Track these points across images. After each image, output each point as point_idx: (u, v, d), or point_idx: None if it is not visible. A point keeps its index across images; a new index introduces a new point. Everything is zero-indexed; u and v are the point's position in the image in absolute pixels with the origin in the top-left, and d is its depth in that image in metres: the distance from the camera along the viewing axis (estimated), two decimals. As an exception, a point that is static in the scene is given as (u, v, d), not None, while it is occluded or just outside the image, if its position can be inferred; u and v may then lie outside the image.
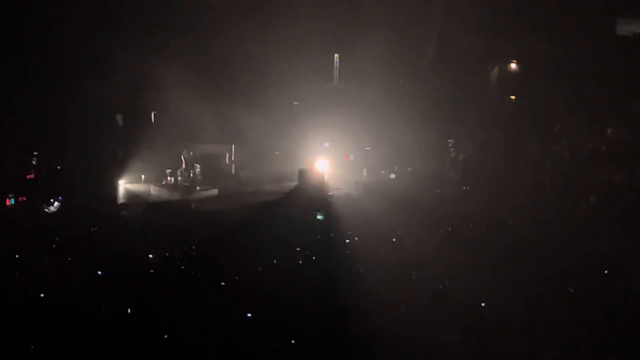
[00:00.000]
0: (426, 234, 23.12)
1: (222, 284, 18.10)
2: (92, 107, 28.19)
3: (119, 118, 31.54)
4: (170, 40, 30.47)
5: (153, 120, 32.68)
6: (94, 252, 20.12)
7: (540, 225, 23.21)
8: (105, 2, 28.99)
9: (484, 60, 33.64)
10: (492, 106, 33.17)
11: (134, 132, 30.65)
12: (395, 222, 24.58)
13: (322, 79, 34.98)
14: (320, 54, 34.02)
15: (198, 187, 31.03)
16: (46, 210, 25.81)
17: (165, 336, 14.77)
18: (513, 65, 33.37)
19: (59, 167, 27.97)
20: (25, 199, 26.11)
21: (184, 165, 31.52)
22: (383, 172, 34.31)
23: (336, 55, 34.97)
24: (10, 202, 25.71)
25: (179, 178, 31.46)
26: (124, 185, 30.40)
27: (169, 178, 31.35)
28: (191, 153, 31.80)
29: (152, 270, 19.13)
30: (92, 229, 23.22)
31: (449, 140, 34.04)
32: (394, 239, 22.86)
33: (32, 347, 13.98)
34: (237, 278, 18.43)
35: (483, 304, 16.76)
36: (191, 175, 31.55)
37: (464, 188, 30.59)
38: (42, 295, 16.72)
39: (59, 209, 25.94)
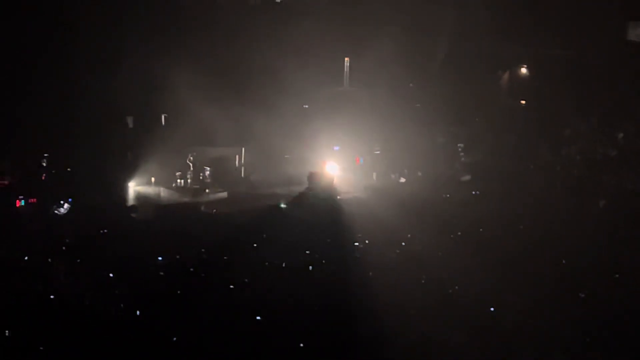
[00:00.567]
0: (436, 238, 23.03)
1: (231, 286, 18.09)
2: (103, 109, 28.27)
3: (130, 120, 31.60)
4: (182, 42, 30.56)
5: (163, 123, 32.73)
6: (104, 254, 20.15)
7: (551, 230, 23.10)
8: (117, 3, 29.02)
9: (495, 64, 33.58)
10: (503, 110, 33.10)
11: (145, 134, 30.69)
12: (405, 226, 24.50)
13: (332, 83, 34.96)
14: (331, 57, 33.99)
15: (208, 190, 31.03)
16: (56, 211, 25.84)
17: (175, 338, 14.78)
18: (524, 69, 33.31)
19: (69, 169, 28.03)
20: (35, 200, 26.17)
21: (193, 167, 31.55)
22: (393, 176, 34.22)
23: (347, 58, 34.95)
24: (20, 203, 25.78)
25: (189, 180, 31.50)
26: (134, 188, 30.43)
27: (178, 180, 31.39)
28: (200, 156, 31.83)
29: (161, 273, 19.15)
30: (101, 231, 23.26)
31: (459, 145, 33.98)
32: (403, 243, 22.81)
33: (42, 348, 14.02)
34: (246, 280, 18.42)
35: (492, 309, 16.71)
36: (201, 177, 31.57)
37: (474, 192, 30.51)
38: (51, 296, 16.76)
39: (69, 210, 25.98)
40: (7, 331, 14.41)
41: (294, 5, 33.56)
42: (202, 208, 28.73)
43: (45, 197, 26.31)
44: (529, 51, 32.11)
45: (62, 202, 25.96)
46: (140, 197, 29.89)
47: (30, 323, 14.96)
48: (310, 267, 19.99)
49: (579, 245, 21.18)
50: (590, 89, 28.57)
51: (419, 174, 33.53)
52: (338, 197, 30.14)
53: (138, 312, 16.08)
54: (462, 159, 33.65)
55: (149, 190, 30.94)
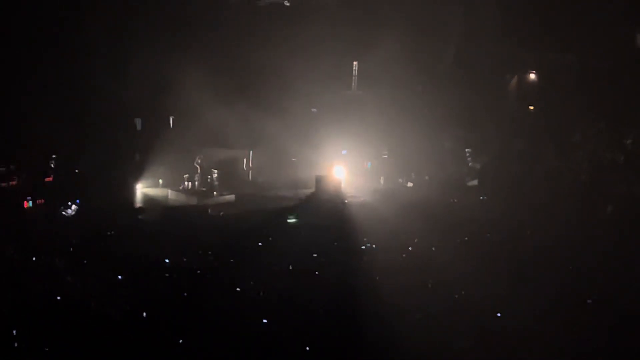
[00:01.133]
0: (442, 242, 23.00)
1: (238, 289, 18.09)
2: (111, 112, 28.32)
3: (138, 122, 31.66)
4: (191, 45, 30.60)
5: (171, 125, 32.79)
6: (111, 256, 20.18)
7: (558, 235, 23.05)
8: (126, 7, 29.08)
9: (503, 70, 33.54)
10: (511, 115, 33.05)
11: (153, 137, 30.75)
12: (412, 230, 24.48)
13: (341, 86, 34.97)
14: (340, 61, 34.00)
15: (215, 192, 31.05)
16: (64, 213, 25.91)
17: (180, 340, 14.80)
18: (532, 75, 33.25)
19: (77, 171, 28.10)
20: (43, 201, 26.24)
21: (200, 170, 31.59)
22: (400, 180, 34.21)
23: (355, 62, 34.95)
24: (28, 204, 25.86)
25: (197, 183, 31.53)
26: (141, 189, 30.50)
27: (186, 183, 31.42)
28: (207, 159, 31.87)
29: (167, 274, 19.17)
30: (109, 232, 23.32)
31: (467, 149, 33.94)
32: (410, 247, 22.78)
33: (47, 348, 14.06)
34: (252, 283, 18.43)
35: (499, 314, 16.68)
36: (208, 180, 31.60)
37: (481, 197, 30.48)
38: (58, 297, 16.80)
39: (77, 212, 26.04)
40: (14, 331, 14.42)
41: (303, 8, 33.58)
42: (210, 210, 28.74)
43: (53, 199, 26.39)
44: (538, 56, 32.05)
45: (69, 203, 26.03)
46: (147, 199, 29.94)
47: (37, 323, 14.98)
48: (317, 272, 19.95)
49: (586, 251, 21.12)
50: (598, 94, 28.49)
51: (427, 178, 33.51)
52: (345, 201, 30.14)
53: (144, 314, 16.09)
54: (470, 163, 33.62)
55: (156, 192, 31.00)
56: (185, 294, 17.59)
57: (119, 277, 18.47)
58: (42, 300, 16.53)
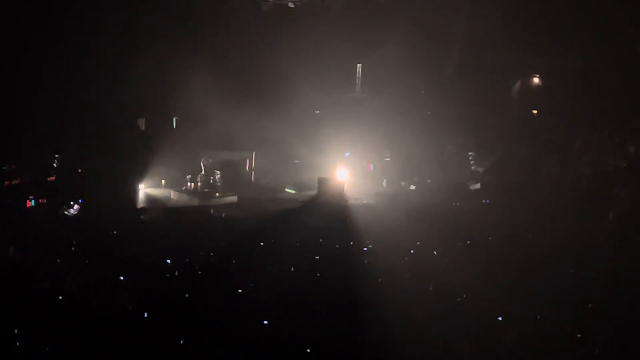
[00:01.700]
0: (444, 245, 22.99)
1: (239, 290, 18.08)
2: (114, 111, 28.32)
3: (141, 122, 31.69)
4: (194, 46, 30.63)
5: (174, 125, 32.83)
6: (112, 256, 20.18)
7: (560, 240, 23.01)
8: (129, 5, 29.09)
9: (507, 73, 33.52)
10: (514, 120, 33.04)
11: (155, 137, 30.79)
12: (414, 233, 24.48)
13: (344, 89, 34.99)
14: (343, 63, 34.03)
15: (217, 194, 31.08)
16: (66, 212, 25.92)
17: (181, 341, 14.78)
18: (535, 79, 33.24)
19: (79, 170, 28.11)
20: (45, 200, 26.25)
21: (203, 171, 31.62)
22: (403, 183, 34.24)
23: (358, 65, 34.97)
24: (30, 203, 25.87)
25: (199, 184, 31.55)
26: (143, 190, 30.52)
27: (189, 183, 31.46)
28: (210, 160, 31.90)
29: (169, 275, 19.16)
30: (111, 232, 23.34)
31: (470, 153, 33.94)
32: (412, 251, 22.77)
33: (48, 349, 14.05)
34: (252, 285, 18.42)
35: (500, 318, 16.66)
36: (211, 181, 31.63)
37: (484, 201, 30.46)
38: (59, 297, 16.80)
39: (79, 211, 26.05)
40: (14, 330, 14.41)
41: (307, 11, 33.60)
42: (212, 212, 28.75)
43: (55, 198, 26.40)
44: (541, 61, 32.02)
45: (72, 203, 26.04)
46: (149, 200, 29.96)
47: (38, 323, 14.97)
48: (319, 274, 19.94)
49: (588, 257, 21.10)
50: (602, 99, 28.45)
51: (429, 181, 33.52)
52: (348, 203, 30.15)
53: (145, 314, 16.08)
54: (473, 167, 33.62)
55: (159, 192, 31.04)
56: (186, 295, 17.57)
57: (120, 277, 18.46)
58: (42, 300, 16.54)
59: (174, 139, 31.38)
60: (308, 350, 14.80)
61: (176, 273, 19.33)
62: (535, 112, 32.97)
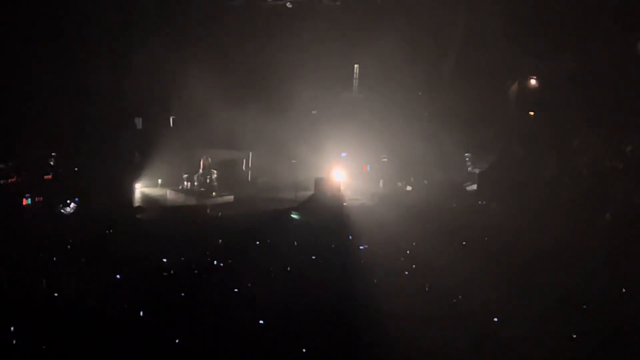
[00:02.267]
0: (441, 246, 22.99)
1: (236, 290, 18.08)
2: (111, 110, 28.34)
3: (138, 121, 31.70)
4: (192, 46, 30.65)
5: (171, 125, 32.84)
6: (109, 255, 20.17)
7: (557, 241, 23.04)
8: (126, 5, 29.09)
9: (504, 74, 33.54)
10: (511, 120, 33.06)
11: (152, 136, 30.80)
12: (410, 233, 24.49)
13: (341, 89, 35.02)
14: (340, 64, 34.06)
15: (214, 193, 31.09)
16: (62, 211, 25.94)
17: (177, 340, 14.77)
18: (533, 80, 33.26)
19: (76, 169, 28.11)
20: (42, 199, 26.24)
21: (200, 170, 31.64)
22: (400, 183, 34.26)
23: (356, 65, 35.00)
24: (27, 201, 25.85)
25: (196, 183, 31.57)
26: (140, 189, 30.53)
27: (185, 183, 31.48)
28: (209, 159, 31.91)
29: (165, 274, 19.15)
30: (107, 231, 23.32)
31: (466, 154, 33.98)
32: (408, 251, 22.78)
33: (44, 347, 14.03)
34: (249, 285, 18.41)
35: (496, 319, 16.67)
36: (208, 180, 31.63)
37: (480, 201, 30.49)
38: (55, 295, 16.78)
39: (75, 210, 26.05)
40: (10, 328, 14.39)
41: (304, 11, 33.62)
42: (208, 211, 28.77)
43: (52, 196, 26.39)
44: (538, 61, 32.03)
45: (68, 201, 26.04)
46: (146, 199, 29.98)
47: (34, 322, 14.95)
48: (314, 274, 19.93)
49: (584, 257, 21.11)
50: (600, 100, 28.45)
51: (426, 182, 33.54)
52: (344, 204, 30.15)
53: (141, 313, 16.07)
54: (469, 168, 33.66)
55: (155, 191, 31.05)
56: (183, 294, 17.56)
57: (117, 276, 18.45)
58: (38, 298, 16.52)
59: (171, 138, 31.37)
60: (304, 350, 14.80)
61: (172, 272, 19.31)
62: (532, 113, 32.97)
